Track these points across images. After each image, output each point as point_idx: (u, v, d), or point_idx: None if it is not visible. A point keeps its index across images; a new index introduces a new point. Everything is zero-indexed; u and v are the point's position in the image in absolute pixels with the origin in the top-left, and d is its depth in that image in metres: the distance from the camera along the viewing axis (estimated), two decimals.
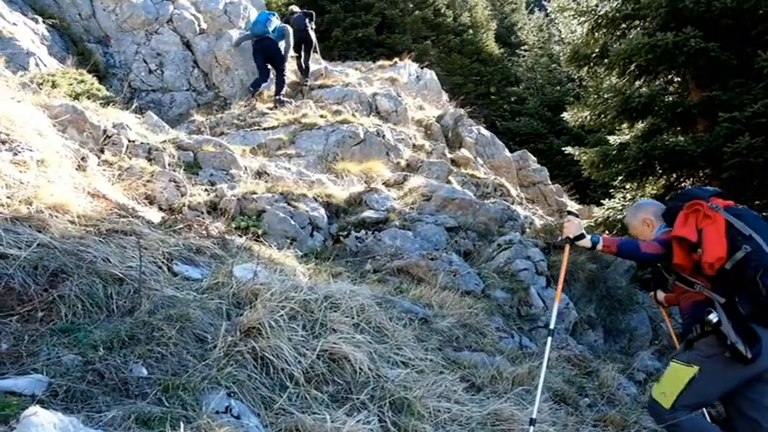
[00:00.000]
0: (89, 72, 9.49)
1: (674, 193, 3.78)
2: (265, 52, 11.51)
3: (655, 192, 9.63)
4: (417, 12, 24.32)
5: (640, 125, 9.58)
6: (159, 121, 8.59)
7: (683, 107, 8.88)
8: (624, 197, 9.90)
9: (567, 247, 3.78)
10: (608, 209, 9.79)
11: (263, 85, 11.69)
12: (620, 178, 9.61)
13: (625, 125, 9.87)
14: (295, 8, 13.53)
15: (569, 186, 15.21)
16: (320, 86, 12.82)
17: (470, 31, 26.80)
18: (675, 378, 3.35)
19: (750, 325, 3.15)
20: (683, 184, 9.59)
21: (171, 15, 11.99)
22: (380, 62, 17.26)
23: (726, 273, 3.19)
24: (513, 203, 9.94)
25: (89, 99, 8.04)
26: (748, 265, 3.14)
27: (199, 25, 12.24)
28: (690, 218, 3.34)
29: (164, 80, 11.52)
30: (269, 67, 11.70)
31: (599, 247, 3.54)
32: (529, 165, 14.11)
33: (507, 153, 13.77)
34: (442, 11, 26.04)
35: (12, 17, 9.65)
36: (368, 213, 7.10)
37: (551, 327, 3.75)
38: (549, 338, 3.73)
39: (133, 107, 8.37)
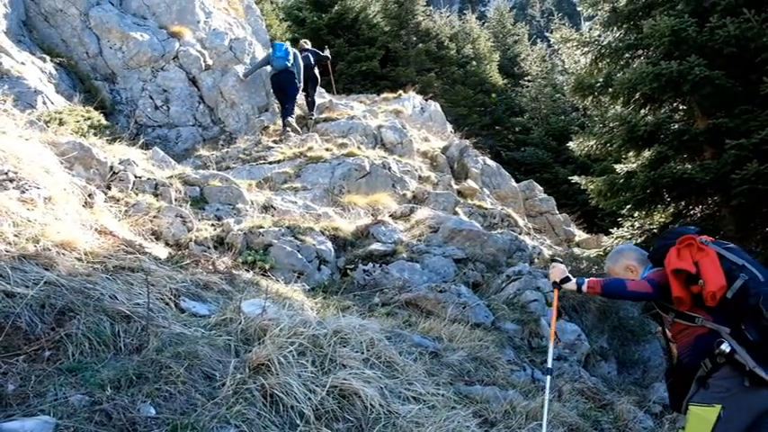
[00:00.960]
0: (96, 109, 9.60)
1: (662, 234, 3.85)
2: (283, 83, 11.81)
3: (663, 220, 9.60)
4: (421, 45, 24.67)
5: (647, 153, 9.58)
6: (165, 157, 8.65)
7: (689, 135, 8.90)
8: (633, 226, 9.88)
9: (556, 292, 3.90)
10: (616, 238, 9.76)
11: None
12: (628, 207, 9.59)
13: (631, 153, 9.88)
14: (306, 44, 13.84)
15: (577, 215, 15.19)
16: (325, 120, 12.93)
17: (474, 62, 27.12)
18: (701, 422, 3.22)
19: (762, 348, 3.14)
20: (691, 212, 9.57)
21: (177, 52, 12.17)
22: (385, 95, 17.43)
23: (727, 302, 3.21)
24: (520, 234, 9.93)
25: (96, 136, 8.13)
26: (748, 293, 3.17)
27: (204, 61, 12.41)
28: (683, 252, 3.38)
29: (170, 116, 11.64)
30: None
31: (584, 288, 3.61)
32: (535, 194, 14.13)
33: (513, 183, 13.79)
34: (446, 43, 26.42)
35: (20, 56, 9.81)
36: (375, 246, 7.09)
37: (549, 366, 3.84)
38: (549, 378, 3.81)
39: (140, 143, 8.45)
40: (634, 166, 9.70)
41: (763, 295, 3.15)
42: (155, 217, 6.10)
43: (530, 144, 21.93)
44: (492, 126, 25.13)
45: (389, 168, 10.39)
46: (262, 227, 6.62)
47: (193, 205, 6.83)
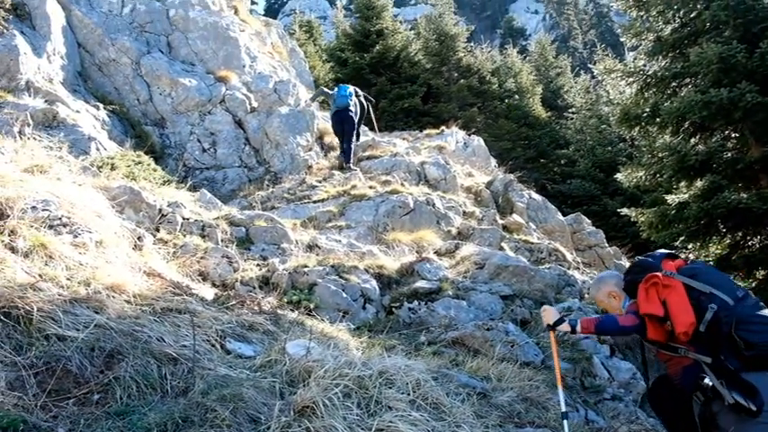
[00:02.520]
0: (146, 153, 9.91)
1: (629, 267, 3.88)
2: (344, 122, 12.37)
3: (719, 251, 9.31)
4: (462, 80, 24.87)
5: (699, 183, 9.35)
6: (212, 198, 8.84)
7: (743, 163, 8.66)
8: (687, 258, 9.58)
9: (552, 334, 4.04)
10: None
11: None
12: (681, 239, 9.34)
13: (683, 184, 9.66)
14: (348, 87, 14.13)
15: (627, 248, 14.80)
16: (368, 157, 13.05)
17: (516, 96, 27.14)
18: None
19: (741, 377, 3.14)
20: (749, 243, 9.24)
21: (223, 96, 12.53)
22: (427, 131, 17.53)
23: (701, 335, 3.26)
24: (569, 268, 9.72)
25: (146, 179, 8.37)
26: (720, 323, 3.21)
27: (250, 104, 12.74)
28: (650, 291, 3.42)
29: (216, 158, 11.94)
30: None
31: (578, 329, 3.71)
32: (583, 228, 13.85)
33: (560, 217, 13.57)
34: (488, 78, 26.54)
35: (75, 105, 10.26)
36: (420, 284, 7.04)
37: (563, 410, 3.92)
38: (566, 422, 3.88)
39: (188, 185, 8.66)
40: (686, 196, 9.47)
41: (734, 323, 3.18)
42: (201, 258, 6.21)
43: (576, 176, 21.67)
44: (537, 159, 24.97)
45: (433, 205, 10.37)
46: (306, 266, 6.65)
47: (239, 246, 6.93)
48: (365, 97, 13.84)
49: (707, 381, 3.22)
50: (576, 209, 17.25)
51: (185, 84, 12.19)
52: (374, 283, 6.89)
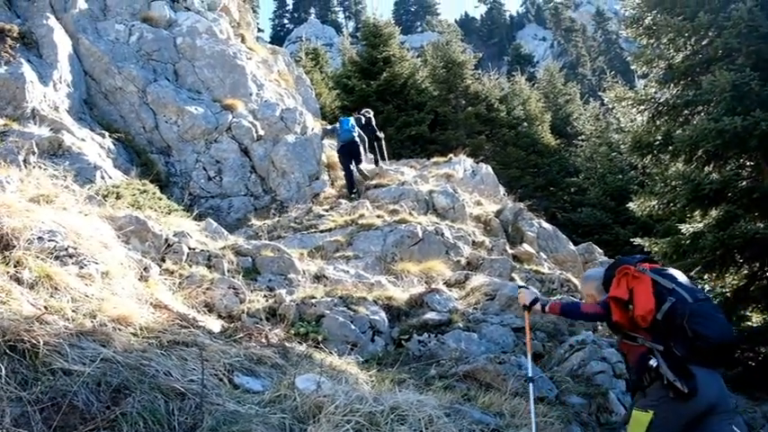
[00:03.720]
0: (151, 182, 9.99)
1: (609, 266, 4.31)
2: (350, 154, 12.90)
3: (736, 282, 9.22)
4: (470, 108, 25.00)
5: (714, 213, 9.30)
6: (218, 228, 8.87)
7: (759, 192, 8.62)
8: (703, 289, 9.50)
9: (527, 314, 4.76)
10: None
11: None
12: (696, 269, 9.24)
13: (697, 213, 9.60)
14: (367, 112, 15.09)
15: None
16: (376, 186, 13.10)
17: (525, 123, 27.25)
18: (637, 424, 3.76)
19: (684, 364, 3.63)
20: (767, 274, 9.16)
21: (230, 124, 12.66)
22: (435, 159, 17.60)
23: (658, 323, 3.73)
24: (581, 299, 9.66)
25: (151, 208, 8.42)
26: (675, 314, 3.68)
27: (256, 132, 12.86)
28: (621, 281, 3.93)
29: (222, 186, 12.02)
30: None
31: (547, 309, 4.39)
32: (595, 257, 13.79)
33: (571, 246, 13.54)
34: (495, 105, 26.67)
35: (81, 133, 10.37)
36: (430, 315, 7.01)
37: (529, 375, 4.76)
38: (531, 385, 4.66)
39: (193, 214, 8.71)
40: (701, 226, 9.41)
41: (687, 315, 3.65)
42: (208, 289, 6.21)
43: (587, 205, 21.63)
44: (546, 187, 24.99)
45: (442, 234, 10.37)
46: (314, 297, 6.64)
47: (245, 276, 6.93)
48: (370, 128, 14.39)
49: (652, 362, 3.70)
50: (587, 238, 17.19)
51: (191, 112, 12.33)
52: (383, 314, 6.86)
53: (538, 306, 4.46)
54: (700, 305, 3.73)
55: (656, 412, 3.67)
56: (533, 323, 7.23)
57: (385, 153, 15.59)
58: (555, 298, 4.54)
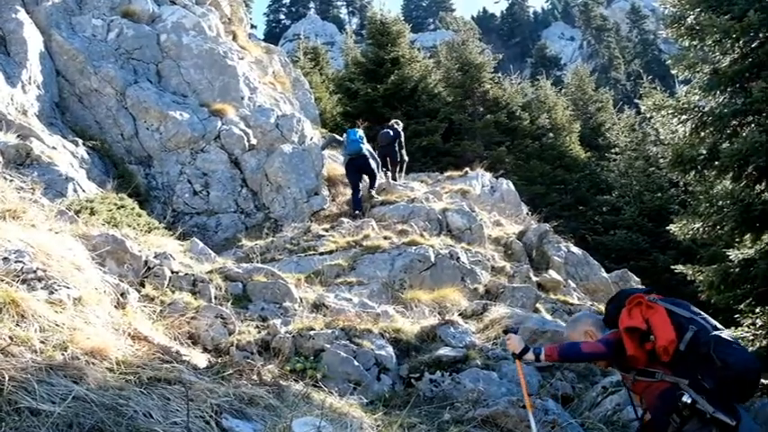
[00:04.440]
0: (130, 196, 10.03)
1: (611, 298, 4.44)
2: (361, 169, 13.05)
3: None
4: (489, 115, 25.08)
5: (767, 237, 9.27)
6: (204, 248, 8.90)
7: None
8: (754, 324, 9.43)
9: (519, 363, 4.64)
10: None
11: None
12: (747, 302, 9.20)
13: (747, 237, 9.56)
14: (396, 124, 15.60)
15: None
16: (382, 203, 13.13)
17: (551, 134, 27.35)
18: None
19: (718, 396, 3.66)
20: None
21: (219, 132, 12.75)
22: (449, 173, 17.66)
23: (681, 354, 3.80)
24: None
25: (129, 226, 8.45)
26: (699, 342, 3.75)
27: (248, 141, 12.94)
28: (634, 311, 3.99)
29: (209, 202, 12.07)
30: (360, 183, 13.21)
31: (542, 357, 4.28)
32: (631, 286, 13.76)
33: (604, 273, 13.52)
34: (518, 113, 26.77)
35: (51, 140, 10.45)
36: (443, 351, 6.98)
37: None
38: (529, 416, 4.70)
39: (176, 233, 8.74)
40: (752, 252, 9.37)
41: (713, 343, 3.71)
42: (192, 318, 6.20)
43: (621, 226, 21.62)
44: (575, 206, 25.02)
45: (457, 258, 10.37)
46: (312, 329, 6.63)
47: (235, 304, 6.93)
48: (398, 143, 14.97)
49: (685, 398, 3.68)
50: (622, 264, 17.18)
51: (176, 117, 12.42)
52: (390, 349, 6.85)
53: (530, 355, 4.34)
54: (720, 334, 3.82)
55: None
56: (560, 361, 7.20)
57: (403, 173, 15.83)
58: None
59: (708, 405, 3.63)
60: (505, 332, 4.71)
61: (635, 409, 4.39)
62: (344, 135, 13.74)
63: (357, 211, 12.94)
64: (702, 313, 3.99)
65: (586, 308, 10.64)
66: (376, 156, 13.73)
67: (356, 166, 13.01)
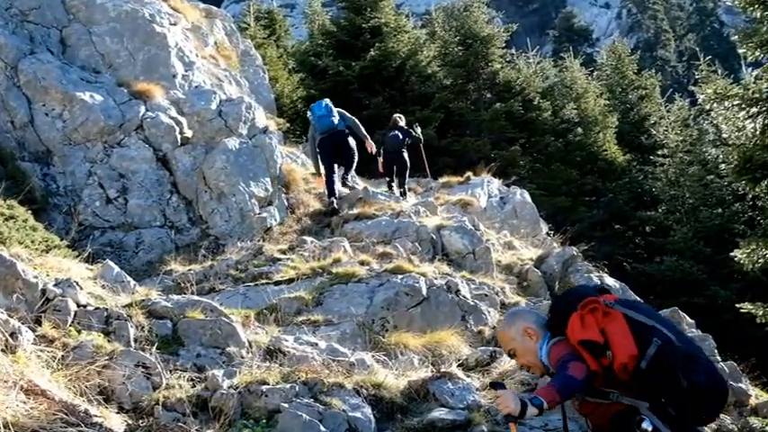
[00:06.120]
0: (21, 203, 9.93)
1: (558, 297, 4.94)
2: (337, 148, 13.69)
3: None
4: (498, 104, 25.15)
5: None
6: (121, 274, 8.83)
7: None
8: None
9: (513, 426, 4.44)
10: None
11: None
12: None
13: None
14: (400, 120, 16.45)
15: (749, 364, 14.77)
16: (357, 217, 13.13)
17: (579, 129, 27.46)
18: None
19: (682, 422, 3.90)
20: None
21: (142, 120, 12.68)
22: (446, 178, 17.77)
23: (642, 373, 3.96)
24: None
25: (21, 243, 8.39)
26: (664, 359, 3.93)
27: (181, 132, 12.89)
28: (587, 318, 4.13)
29: (128, 213, 11.99)
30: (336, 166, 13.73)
31: (545, 407, 4.20)
32: (682, 330, 13.87)
33: None
34: (536, 102, 26.83)
35: None
36: (439, 413, 6.98)
37: None
38: None
39: (84, 254, 8.67)
40: None
41: (680, 359, 3.93)
42: (105, 367, 6.16)
43: (669, 251, 21.78)
44: (609, 224, 25.18)
45: (457, 292, 10.38)
46: (265, 382, 6.61)
47: (162, 348, 6.89)
48: (406, 133, 15.90)
49: (645, 425, 3.88)
50: (670, 300, 17.26)
51: (85, 100, 12.34)
52: (368, 410, 6.83)
53: (533, 410, 4.21)
54: (688, 348, 4.06)
55: None
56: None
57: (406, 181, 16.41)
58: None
59: None
60: (493, 386, 4.76)
61: (565, 423, 4.60)
62: (309, 113, 14.36)
63: (332, 199, 13.15)
64: (667, 320, 4.27)
65: None
66: (361, 131, 14.32)
67: (331, 145, 13.57)
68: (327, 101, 14.09)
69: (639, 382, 3.99)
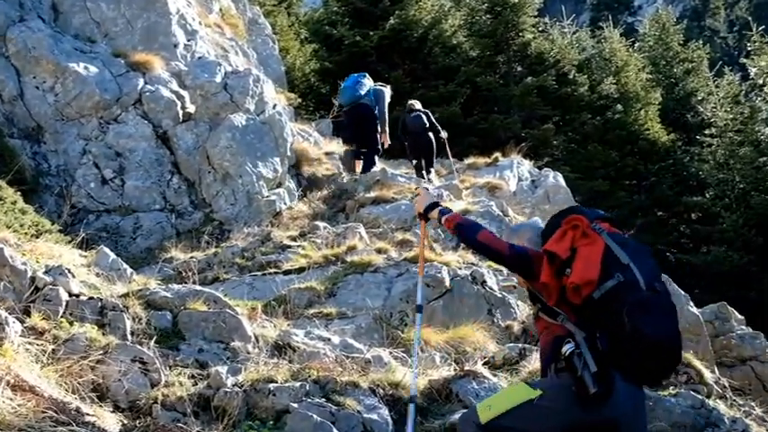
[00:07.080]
0: (10, 184, 9.97)
1: (560, 211, 4.83)
2: (358, 120, 14.10)
3: None
4: (530, 78, 25.03)
5: None
6: (117, 262, 8.86)
7: None
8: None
9: (423, 224, 5.63)
10: None
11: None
12: None
13: None
14: (415, 104, 16.32)
15: None
16: (374, 201, 13.10)
17: (619, 106, 27.30)
18: (511, 395, 4.44)
19: (606, 363, 4.07)
20: None
21: (140, 93, 12.70)
22: (472, 159, 17.73)
23: (593, 302, 4.20)
24: (708, 396, 9.64)
25: (9, 227, 8.42)
26: (616, 297, 4.13)
27: (183, 107, 12.90)
28: (567, 234, 4.43)
29: (125, 195, 12.02)
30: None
31: (443, 220, 5.10)
32: (731, 327, 13.79)
33: (693, 308, 13.52)
34: (571, 76, 26.72)
35: None
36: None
37: (418, 303, 6.01)
38: (419, 315, 5.98)
39: (78, 239, 8.69)
40: None
41: (632, 304, 4.08)
42: (99, 362, 6.18)
43: (717, 240, 21.69)
44: (652, 210, 25.07)
45: (483, 283, 10.37)
46: (273, 380, 6.61)
47: (161, 342, 6.90)
48: (427, 115, 15.89)
49: (566, 347, 4.20)
50: (718, 294, 17.17)
51: (79, 72, 12.37)
52: (385, 411, 6.82)
53: (435, 213, 5.21)
54: (653, 297, 4.18)
55: (543, 396, 4.22)
56: None
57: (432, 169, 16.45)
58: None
59: (580, 365, 4.08)
60: (417, 189, 5.50)
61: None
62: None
63: (351, 172, 13.35)
64: (651, 266, 4.34)
65: None
66: (385, 110, 14.48)
67: (353, 118, 14.06)
68: (363, 75, 14.46)
69: (588, 312, 4.22)
